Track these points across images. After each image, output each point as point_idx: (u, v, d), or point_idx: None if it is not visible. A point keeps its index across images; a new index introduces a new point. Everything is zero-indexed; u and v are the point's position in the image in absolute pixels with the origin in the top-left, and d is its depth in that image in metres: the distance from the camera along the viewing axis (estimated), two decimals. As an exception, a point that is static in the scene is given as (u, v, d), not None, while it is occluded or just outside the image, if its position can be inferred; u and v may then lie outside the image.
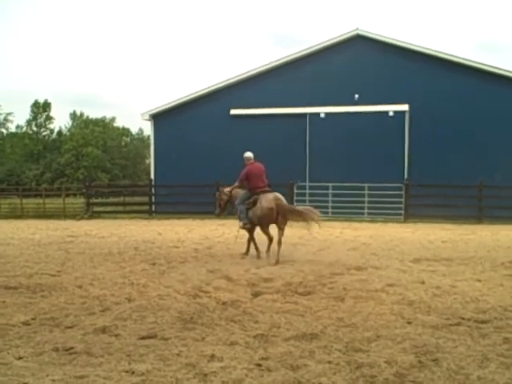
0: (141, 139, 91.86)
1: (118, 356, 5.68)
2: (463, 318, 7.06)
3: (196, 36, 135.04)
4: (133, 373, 5.18)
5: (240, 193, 13.21)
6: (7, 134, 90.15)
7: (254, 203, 12.58)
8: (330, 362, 5.45)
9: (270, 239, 12.60)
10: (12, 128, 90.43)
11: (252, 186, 12.84)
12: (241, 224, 12.95)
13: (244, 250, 13.16)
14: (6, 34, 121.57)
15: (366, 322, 6.90)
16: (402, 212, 25.19)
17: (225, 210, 13.78)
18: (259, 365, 5.39)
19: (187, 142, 29.65)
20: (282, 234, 12.41)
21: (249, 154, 13.24)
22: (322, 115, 27.91)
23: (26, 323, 6.95)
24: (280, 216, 12.28)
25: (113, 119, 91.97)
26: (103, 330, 6.57)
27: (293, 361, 5.49)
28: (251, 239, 13.14)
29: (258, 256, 12.64)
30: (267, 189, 12.83)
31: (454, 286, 9.17)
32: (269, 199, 12.36)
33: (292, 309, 7.63)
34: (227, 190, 13.53)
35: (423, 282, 9.48)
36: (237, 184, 13.16)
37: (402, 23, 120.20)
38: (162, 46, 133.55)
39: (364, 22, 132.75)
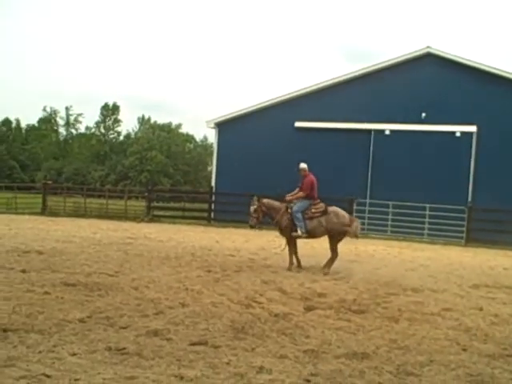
0: (204, 146, 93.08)
1: (168, 360, 5.74)
2: (522, 350, 6.84)
3: (266, 47, 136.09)
4: (182, 378, 5.22)
5: (278, 204, 13.44)
6: (76, 135, 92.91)
7: (323, 214, 12.87)
8: (379, 384, 5.36)
9: (337, 254, 12.93)
10: (81, 129, 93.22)
11: (314, 196, 13.20)
12: (298, 232, 12.97)
13: (296, 263, 13.18)
14: (80, 34, 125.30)
15: (419, 346, 6.77)
16: (464, 235, 24.63)
17: (259, 221, 13.76)
18: (308, 380, 5.35)
19: (250, 152, 29.82)
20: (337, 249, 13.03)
21: (305, 165, 13.44)
22: (387, 132, 27.63)
23: (81, 320, 7.09)
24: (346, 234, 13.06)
25: (179, 125, 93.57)
26: (155, 332, 6.65)
27: (342, 379, 5.42)
28: (295, 250, 13.28)
29: (290, 268, 12.81)
30: (323, 202, 13.28)
31: (513, 316, 8.90)
32: (346, 215, 13.20)
33: (344, 326, 7.55)
34: (265, 201, 13.54)
35: (481, 309, 9.23)
36: (302, 194, 13.19)
37: (474, 43, 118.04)
38: (232, 54, 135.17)
39: (435, 40, 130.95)
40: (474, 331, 7.61)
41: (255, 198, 13.51)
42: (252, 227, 13.78)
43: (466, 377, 5.67)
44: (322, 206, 13.02)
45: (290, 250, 13.18)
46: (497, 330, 7.75)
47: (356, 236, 13.16)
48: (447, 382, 5.45)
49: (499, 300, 10.32)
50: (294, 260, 13.13)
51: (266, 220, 13.69)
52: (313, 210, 12.99)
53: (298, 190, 13.38)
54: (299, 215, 12.96)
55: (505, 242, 22.73)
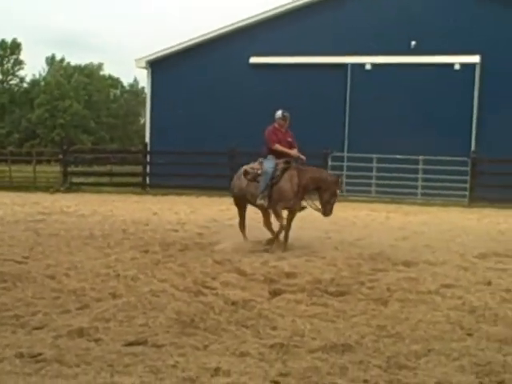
0: (134, 93, 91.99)
1: (97, 366, 5.73)
2: (540, 331, 7.03)
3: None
4: (116, 387, 5.24)
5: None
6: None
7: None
8: (366, 382, 5.46)
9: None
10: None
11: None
12: (262, 201, 12.93)
13: (265, 236, 13.17)
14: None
15: (414, 332, 6.90)
16: (467, 194, 25.05)
17: None
18: (276, 382, 5.42)
19: (193, 98, 29.62)
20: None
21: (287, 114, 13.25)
22: (368, 67, 27.77)
23: (-18, 321, 7.04)
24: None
25: (99, 66, 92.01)
26: (80, 332, 6.63)
27: (319, 378, 5.50)
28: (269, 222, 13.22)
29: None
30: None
31: (529, 289, 9.14)
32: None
33: (320, 312, 7.65)
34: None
35: (490, 284, 9.44)
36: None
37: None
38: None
39: None
40: (480, 311, 7.77)
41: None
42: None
43: (473, 367, 5.81)
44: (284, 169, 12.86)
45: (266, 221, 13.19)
46: (509, 309, 7.92)
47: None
48: (449, 375, 5.56)
49: (511, 271, 10.56)
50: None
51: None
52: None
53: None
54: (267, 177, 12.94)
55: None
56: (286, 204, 12.62)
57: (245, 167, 13.17)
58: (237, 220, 13.58)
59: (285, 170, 12.67)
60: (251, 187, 12.83)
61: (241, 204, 13.29)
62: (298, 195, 12.56)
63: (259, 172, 12.76)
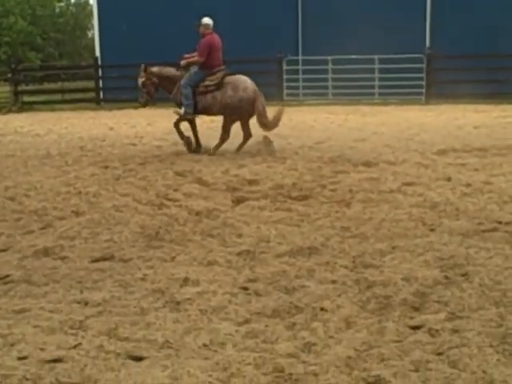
0: (81, 6, 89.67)
1: (66, 283, 5.77)
2: (500, 222, 7.22)
3: None
4: (86, 303, 5.27)
5: (173, 72, 13.45)
6: None
7: (218, 87, 12.73)
8: (333, 282, 5.58)
9: (227, 137, 13.00)
10: None
11: (211, 64, 12.96)
12: (182, 111, 13.01)
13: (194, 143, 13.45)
14: None
15: (377, 231, 7.04)
16: (423, 91, 25.08)
17: (153, 96, 13.73)
18: (245, 288, 5.52)
19: (142, 5, 28.89)
20: (249, 127, 13.10)
21: (208, 21, 13.19)
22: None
23: None
24: (254, 111, 12.74)
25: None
26: (45, 252, 6.65)
27: (287, 282, 5.61)
28: (194, 130, 13.48)
29: (196, 151, 13.20)
30: (227, 69, 13.15)
31: (488, 183, 9.32)
32: (248, 87, 12.73)
33: (284, 217, 7.75)
34: (155, 69, 13.50)
35: (449, 179, 9.62)
36: (198, 59, 12.98)
37: None
38: None
39: None
40: (442, 206, 7.94)
41: (142, 67, 13.36)
42: (143, 105, 13.97)
43: (437, 261, 5.96)
44: (218, 76, 12.87)
45: (177, 125, 13.35)
46: (469, 202, 8.11)
47: (265, 121, 12.85)
48: (414, 271, 5.69)
49: (470, 166, 10.75)
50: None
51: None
52: (207, 83, 12.87)
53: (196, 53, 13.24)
54: (187, 90, 12.86)
55: (474, 95, 23.05)
56: None
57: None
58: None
59: None
60: None
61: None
62: None
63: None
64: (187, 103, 12.88)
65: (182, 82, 12.97)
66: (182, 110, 13.06)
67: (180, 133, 13.31)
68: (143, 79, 13.31)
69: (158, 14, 28.60)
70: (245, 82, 12.87)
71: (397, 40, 24.92)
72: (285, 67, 26.16)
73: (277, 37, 26.51)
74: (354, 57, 25.08)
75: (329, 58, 25.80)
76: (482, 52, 24.09)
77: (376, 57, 25.36)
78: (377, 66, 25.53)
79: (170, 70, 13.52)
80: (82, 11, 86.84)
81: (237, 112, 12.72)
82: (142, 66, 13.39)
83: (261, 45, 24.54)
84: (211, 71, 12.90)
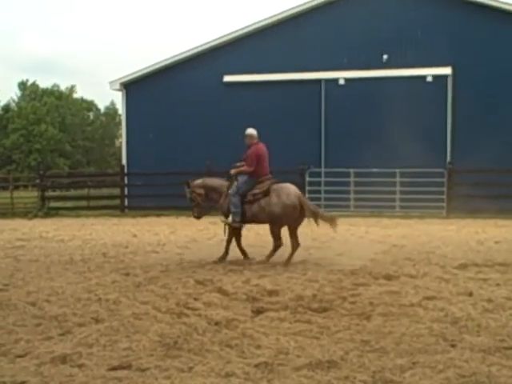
0: (111, 116, 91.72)
1: (82, 392, 5.70)
2: (523, 340, 7.08)
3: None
4: (101, 413, 5.20)
5: (218, 182, 13.72)
6: None
7: (265, 195, 12.89)
8: (352, 397, 5.47)
9: (280, 244, 13.01)
10: None
11: (259, 173, 13.17)
12: (230, 221, 13.10)
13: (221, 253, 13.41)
14: None
15: (398, 346, 6.91)
16: (444, 205, 25.16)
17: (204, 208, 13.92)
18: (262, 401, 5.42)
19: (168, 118, 29.64)
20: (297, 236, 13.11)
21: (253, 132, 13.46)
22: (342, 81, 27.88)
23: (-36, 351, 6.97)
24: (300, 217, 12.96)
25: (72, 88, 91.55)
26: (63, 359, 6.58)
27: (305, 396, 5.51)
28: (238, 241, 13.49)
29: (247, 259, 13.23)
30: (274, 178, 13.32)
31: (510, 299, 9.18)
32: (291, 194, 12.92)
33: (304, 329, 7.65)
34: (199, 181, 13.77)
35: (471, 294, 9.50)
36: (247, 168, 13.19)
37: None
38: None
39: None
40: (463, 322, 7.81)
41: (186, 183, 13.63)
42: (197, 218, 14.15)
43: (458, 378, 5.83)
44: (266, 184, 13.05)
45: (228, 238, 13.34)
46: (491, 319, 7.97)
47: (323, 217, 13.22)
48: (435, 388, 5.58)
49: (492, 281, 10.63)
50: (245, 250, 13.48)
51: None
52: (255, 191, 13.02)
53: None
54: (236, 198, 13.01)
55: (495, 210, 23.10)
56: None
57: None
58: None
59: None
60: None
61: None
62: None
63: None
64: (235, 211, 13.00)
65: (231, 190, 13.14)
66: (229, 219, 13.15)
67: (229, 242, 13.37)
68: (189, 194, 13.59)
69: (181, 126, 29.25)
70: (287, 188, 13.05)
71: (418, 155, 25.14)
72: (307, 179, 26.42)
73: (300, 150, 26.92)
74: (375, 170, 25.32)
75: (351, 170, 26.06)
76: (502, 167, 24.22)
77: (397, 170, 25.56)
78: (398, 179, 25.68)
79: (214, 181, 13.82)
80: (112, 120, 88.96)
81: (281, 218, 12.83)
82: (186, 182, 13.68)
83: (285, 156, 24.87)
84: (259, 180, 13.11)
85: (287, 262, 12.78)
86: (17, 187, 35.20)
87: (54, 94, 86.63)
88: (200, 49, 29.73)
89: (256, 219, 13.17)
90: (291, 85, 28.15)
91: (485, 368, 6.08)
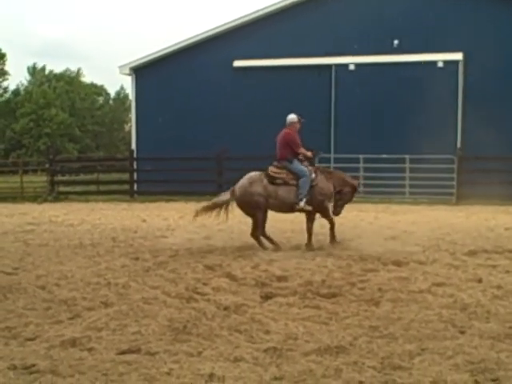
0: (121, 100, 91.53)
1: (91, 375, 5.71)
2: (532, 327, 7.06)
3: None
4: (111, 397, 5.22)
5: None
6: None
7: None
8: (361, 383, 5.47)
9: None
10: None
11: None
12: (302, 204, 13.06)
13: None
14: None
15: (406, 332, 6.91)
16: (454, 191, 25.11)
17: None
18: (271, 386, 5.43)
19: (178, 103, 29.62)
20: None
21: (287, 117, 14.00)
22: (352, 67, 27.80)
23: (-26, 334, 7.01)
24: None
25: (78, 72, 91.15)
26: (73, 342, 6.61)
27: (314, 381, 5.51)
28: (309, 224, 13.36)
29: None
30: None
31: (520, 286, 9.17)
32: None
33: (312, 315, 7.66)
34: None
35: (480, 281, 9.49)
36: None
37: None
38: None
39: None
40: (472, 308, 7.81)
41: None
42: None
43: (467, 365, 5.83)
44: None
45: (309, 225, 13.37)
46: (500, 305, 7.96)
47: None
48: (444, 374, 5.57)
49: (501, 268, 10.61)
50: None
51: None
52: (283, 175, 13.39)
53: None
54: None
55: (505, 197, 23.04)
56: (329, 203, 13.30)
57: (268, 171, 13.28)
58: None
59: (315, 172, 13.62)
60: (281, 191, 13.04)
61: (255, 210, 13.08)
62: None
63: (284, 176, 13.29)
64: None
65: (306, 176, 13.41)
66: (302, 203, 13.05)
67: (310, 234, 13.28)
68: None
69: (190, 111, 29.23)
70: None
71: (428, 141, 25.05)
72: (317, 164, 26.27)
73: (310, 135, 26.82)
74: (384, 156, 25.27)
75: (360, 156, 26.00)
76: (512, 154, 24.14)
77: (407, 156, 25.48)
78: (408, 165, 25.61)
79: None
80: (122, 105, 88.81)
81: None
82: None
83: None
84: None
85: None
86: (26, 171, 35.23)
87: (65, 78, 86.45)
88: (210, 33, 29.67)
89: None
90: (301, 70, 28.08)
91: (494, 354, 6.07)
